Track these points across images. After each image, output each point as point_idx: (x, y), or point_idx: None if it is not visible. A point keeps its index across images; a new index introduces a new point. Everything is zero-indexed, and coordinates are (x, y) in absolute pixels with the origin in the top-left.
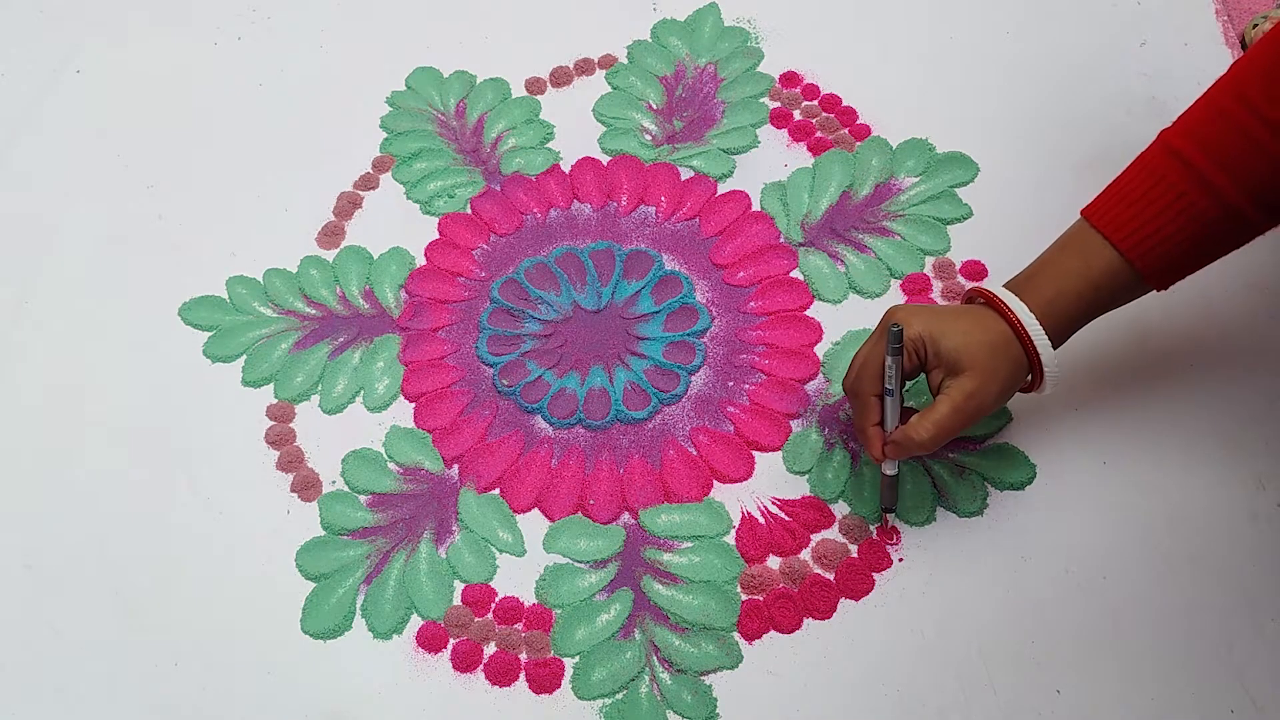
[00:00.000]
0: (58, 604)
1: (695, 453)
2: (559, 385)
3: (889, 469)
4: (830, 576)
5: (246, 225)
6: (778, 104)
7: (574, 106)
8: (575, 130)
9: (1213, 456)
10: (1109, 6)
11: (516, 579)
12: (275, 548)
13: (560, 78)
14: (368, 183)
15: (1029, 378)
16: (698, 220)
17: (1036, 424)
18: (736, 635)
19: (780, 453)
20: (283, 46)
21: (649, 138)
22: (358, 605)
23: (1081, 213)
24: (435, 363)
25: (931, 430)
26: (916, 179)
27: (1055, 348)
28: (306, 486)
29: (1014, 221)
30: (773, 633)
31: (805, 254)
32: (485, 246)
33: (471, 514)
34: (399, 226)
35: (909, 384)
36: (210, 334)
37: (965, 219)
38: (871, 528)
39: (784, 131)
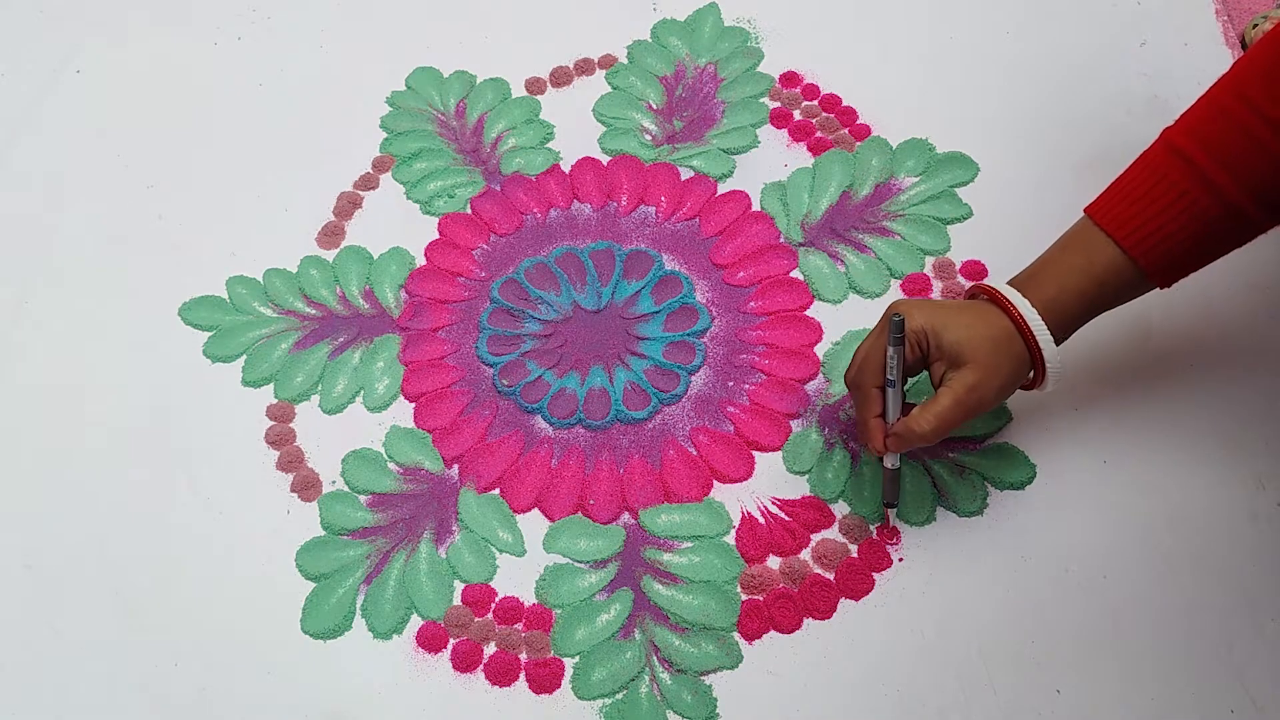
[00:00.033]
0: (58, 604)
1: (695, 453)
2: (559, 385)
3: (890, 462)
4: (830, 576)
5: (246, 225)
6: (778, 104)
7: (574, 106)
8: (575, 130)
9: (1213, 456)
10: (1109, 6)
11: (516, 579)
12: (275, 548)
13: (560, 78)
14: (368, 183)
15: (1031, 374)
16: (698, 220)
17: (1036, 424)
18: (736, 635)
19: (780, 453)
20: (283, 46)
21: (649, 138)
22: (358, 605)
23: (1085, 211)
24: (435, 363)
25: (933, 422)
26: (916, 179)
27: (1057, 344)
28: (306, 486)
29: (1014, 221)
30: (773, 633)
31: (805, 254)
32: (485, 246)
33: (471, 514)
34: (399, 226)
35: (911, 382)
36: (210, 334)
37: (965, 219)
38: (872, 528)
39: (784, 131)
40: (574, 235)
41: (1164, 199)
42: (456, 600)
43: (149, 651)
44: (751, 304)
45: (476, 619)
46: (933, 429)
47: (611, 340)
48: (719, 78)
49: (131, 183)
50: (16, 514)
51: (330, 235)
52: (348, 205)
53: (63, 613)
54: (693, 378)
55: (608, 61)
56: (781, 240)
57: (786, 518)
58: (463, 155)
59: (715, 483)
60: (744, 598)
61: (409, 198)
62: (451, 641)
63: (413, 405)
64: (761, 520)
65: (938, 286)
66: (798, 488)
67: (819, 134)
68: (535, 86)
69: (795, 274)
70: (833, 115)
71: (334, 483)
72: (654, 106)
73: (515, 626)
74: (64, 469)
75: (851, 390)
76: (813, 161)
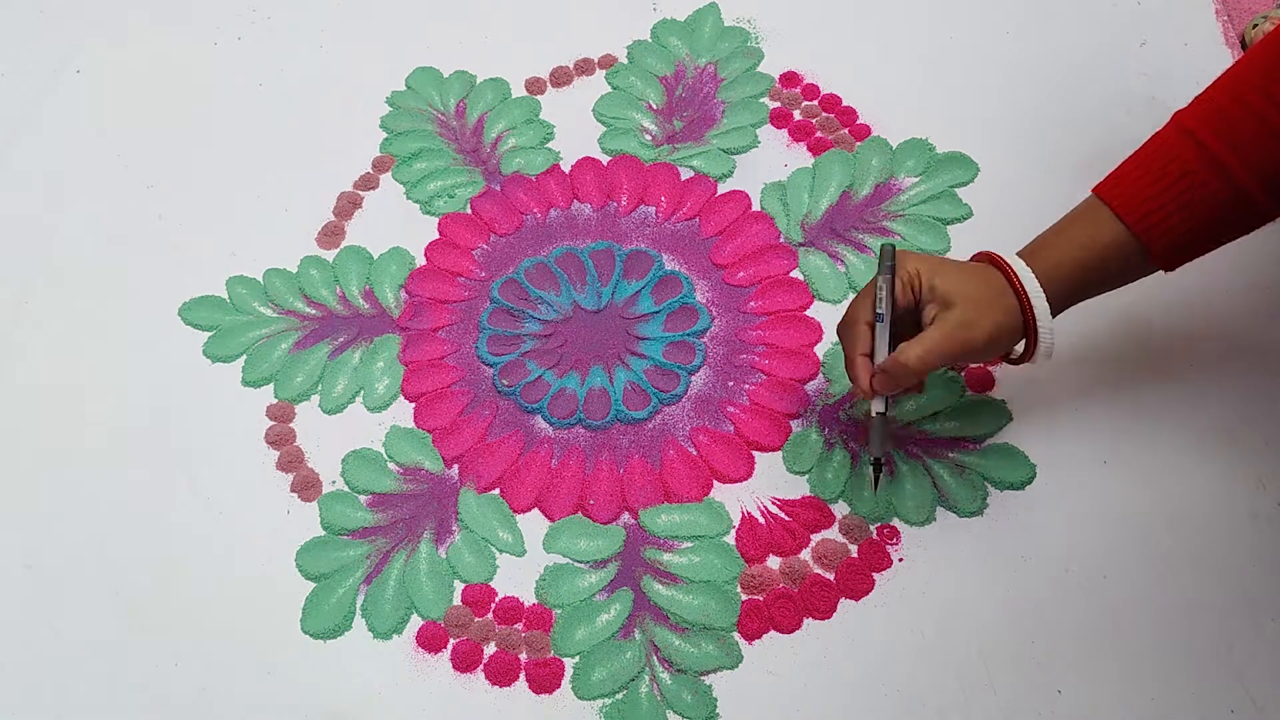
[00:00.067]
0: (58, 604)
1: (695, 453)
2: (559, 385)
3: (877, 405)
4: (830, 576)
5: (246, 225)
6: (778, 104)
7: (574, 106)
8: (575, 130)
9: (1213, 456)
10: (1109, 6)
11: (516, 579)
12: (275, 548)
13: (560, 78)
14: (368, 183)
15: (1022, 346)
16: (698, 220)
17: (1036, 424)
18: (736, 635)
19: (780, 453)
20: (283, 46)
21: (649, 138)
22: (358, 605)
23: (1093, 190)
24: (435, 363)
25: (921, 354)
26: (916, 179)
27: (1054, 315)
28: (306, 486)
29: (1014, 221)
30: (773, 633)
31: (805, 254)
32: (485, 246)
33: (471, 514)
34: (399, 226)
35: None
36: (210, 334)
37: (965, 219)
38: (871, 528)
39: (784, 131)
40: (574, 235)
41: (1173, 179)
42: (456, 600)
43: (149, 651)
44: (751, 304)
45: (476, 619)
46: (920, 361)
47: (611, 340)
48: (719, 78)
49: (131, 183)
50: (16, 514)
51: (330, 235)
52: (348, 205)
53: (63, 613)
54: (693, 378)
55: (608, 61)
56: (781, 240)
57: (786, 518)
58: (463, 155)
59: (715, 483)
60: (744, 598)
61: (409, 198)
62: (451, 641)
63: (413, 405)
64: (761, 520)
65: None
66: (798, 488)
67: (819, 134)
68: (535, 86)
69: (795, 274)
70: (833, 115)
71: (334, 483)
72: (654, 106)
73: (515, 626)
74: (64, 469)
75: (841, 334)
76: (813, 161)
